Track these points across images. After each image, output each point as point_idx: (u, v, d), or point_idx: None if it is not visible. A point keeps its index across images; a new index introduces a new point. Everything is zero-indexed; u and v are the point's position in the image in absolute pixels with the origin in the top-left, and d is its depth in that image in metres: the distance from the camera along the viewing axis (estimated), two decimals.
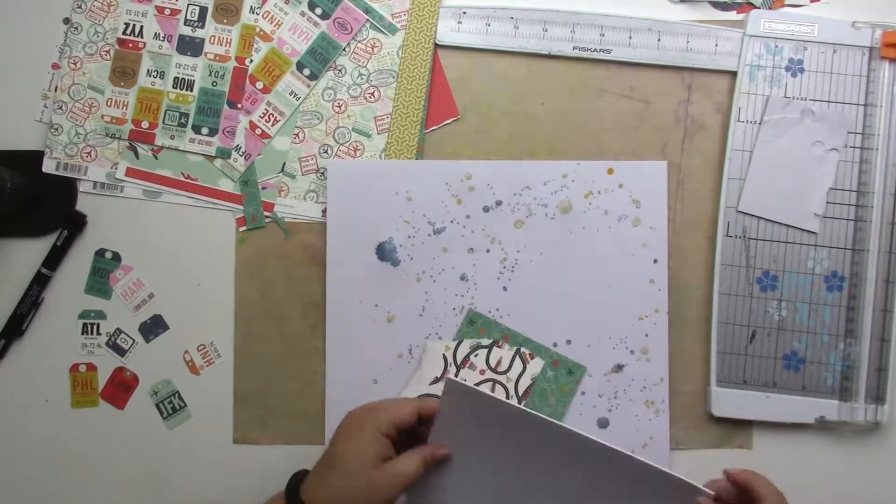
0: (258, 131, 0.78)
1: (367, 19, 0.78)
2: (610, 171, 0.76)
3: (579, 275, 0.76)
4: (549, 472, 0.63)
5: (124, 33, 0.78)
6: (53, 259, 0.77)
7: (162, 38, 0.78)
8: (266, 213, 0.77)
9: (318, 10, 0.78)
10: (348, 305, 0.76)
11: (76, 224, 0.77)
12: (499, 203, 0.76)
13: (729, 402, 0.75)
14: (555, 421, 0.62)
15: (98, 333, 0.78)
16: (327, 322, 0.76)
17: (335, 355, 0.76)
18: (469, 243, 0.76)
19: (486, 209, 0.76)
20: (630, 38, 0.76)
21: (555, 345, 0.75)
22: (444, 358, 0.75)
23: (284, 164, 0.78)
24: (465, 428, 0.64)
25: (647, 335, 0.75)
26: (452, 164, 0.76)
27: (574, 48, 0.77)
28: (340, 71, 0.78)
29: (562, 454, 0.63)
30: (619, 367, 0.75)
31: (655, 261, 0.75)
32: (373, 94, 0.78)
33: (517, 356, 0.75)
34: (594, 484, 0.62)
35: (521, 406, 0.67)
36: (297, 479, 0.63)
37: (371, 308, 0.76)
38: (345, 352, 0.75)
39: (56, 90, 0.78)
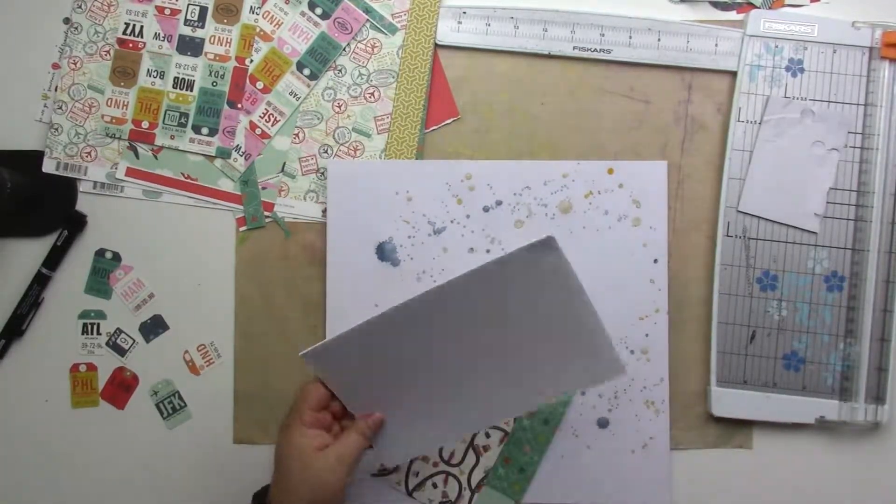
0: (258, 131, 0.78)
1: (367, 19, 0.78)
2: (610, 171, 0.76)
3: (579, 274, 0.75)
4: (445, 337, 0.64)
5: (124, 33, 0.78)
6: (53, 259, 0.77)
7: (162, 38, 0.78)
8: (266, 213, 0.77)
9: (318, 10, 0.78)
10: (348, 305, 0.76)
11: (76, 224, 0.77)
12: (499, 203, 0.76)
13: (729, 402, 0.75)
14: (402, 302, 0.63)
15: (98, 333, 0.78)
16: (327, 321, 0.76)
17: None
18: (469, 243, 0.76)
19: (486, 209, 0.76)
20: (630, 38, 0.76)
21: None
22: None
23: (284, 164, 0.78)
24: (354, 372, 0.66)
25: (647, 335, 0.75)
26: (452, 164, 0.76)
27: (574, 48, 0.77)
28: (340, 71, 0.78)
29: (438, 315, 0.63)
30: None
31: (655, 261, 0.75)
32: (373, 94, 0.78)
33: (470, 448, 0.75)
34: (480, 314, 0.63)
35: (368, 319, 0.66)
36: (262, 493, 0.67)
37: (371, 308, 0.76)
38: None
39: (56, 90, 0.78)
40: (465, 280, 0.62)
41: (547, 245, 0.61)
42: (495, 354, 0.65)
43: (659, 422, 0.75)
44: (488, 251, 0.76)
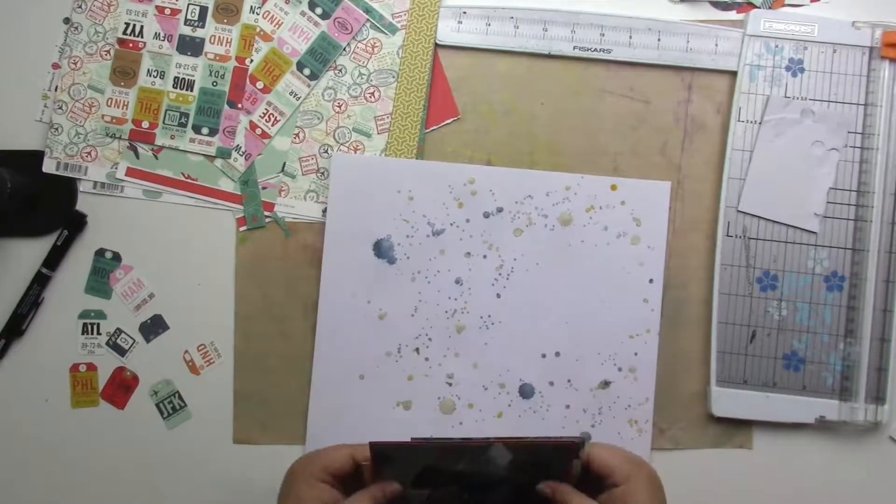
0: (258, 131, 0.78)
1: (368, 19, 0.78)
2: (613, 188, 0.76)
3: (574, 288, 0.75)
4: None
5: (124, 33, 0.78)
6: (53, 259, 0.77)
7: (162, 38, 0.78)
8: (266, 213, 0.77)
9: (319, 10, 0.78)
10: (341, 299, 0.76)
11: (76, 224, 0.77)
12: (500, 210, 0.76)
13: (729, 402, 0.75)
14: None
15: (98, 333, 0.78)
16: (319, 313, 0.76)
17: (324, 346, 0.76)
18: (467, 247, 0.76)
19: (486, 215, 0.76)
20: (630, 38, 0.76)
21: (543, 356, 0.75)
22: None
23: (284, 163, 0.78)
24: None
25: (636, 354, 0.75)
26: (456, 167, 0.76)
27: (574, 48, 0.77)
28: (340, 71, 0.78)
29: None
30: (606, 384, 0.75)
31: (651, 280, 0.75)
32: (373, 93, 0.78)
33: None
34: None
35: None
36: None
37: (363, 304, 0.76)
38: (334, 344, 0.75)
39: (56, 90, 0.78)
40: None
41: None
42: None
43: (641, 441, 0.75)
44: (485, 257, 0.76)
